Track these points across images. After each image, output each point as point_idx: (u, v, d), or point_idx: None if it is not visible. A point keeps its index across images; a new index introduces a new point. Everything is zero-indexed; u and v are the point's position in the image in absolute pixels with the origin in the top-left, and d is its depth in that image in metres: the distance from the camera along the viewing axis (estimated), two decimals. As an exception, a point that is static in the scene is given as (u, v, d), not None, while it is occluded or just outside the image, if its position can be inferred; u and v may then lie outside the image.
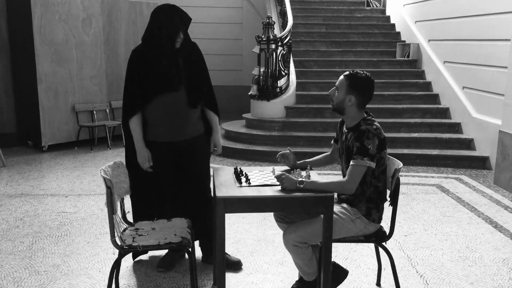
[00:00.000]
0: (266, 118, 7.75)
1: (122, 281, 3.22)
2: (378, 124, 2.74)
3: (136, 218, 3.35)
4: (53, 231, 4.20)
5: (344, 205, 2.80)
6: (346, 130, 2.85)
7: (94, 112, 7.97)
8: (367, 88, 2.77)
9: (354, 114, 2.78)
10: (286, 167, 3.01)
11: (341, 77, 2.80)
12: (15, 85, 7.81)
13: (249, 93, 7.96)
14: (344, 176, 2.75)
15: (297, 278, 3.13)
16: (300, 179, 2.57)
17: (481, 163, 6.51)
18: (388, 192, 2.87)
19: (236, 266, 3.43)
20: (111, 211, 2.57)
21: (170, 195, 3.32)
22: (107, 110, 8.19)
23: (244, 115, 8.21)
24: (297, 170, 2.76)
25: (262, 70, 7.69)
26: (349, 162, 2.66)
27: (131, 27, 8.53)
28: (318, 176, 2.78)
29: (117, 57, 8.36)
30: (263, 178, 2.75)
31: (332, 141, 3.11)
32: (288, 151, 3.02)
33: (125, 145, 3.39)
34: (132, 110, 3.19)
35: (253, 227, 4.28)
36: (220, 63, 10.77)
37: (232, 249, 3.77)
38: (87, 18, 7.76)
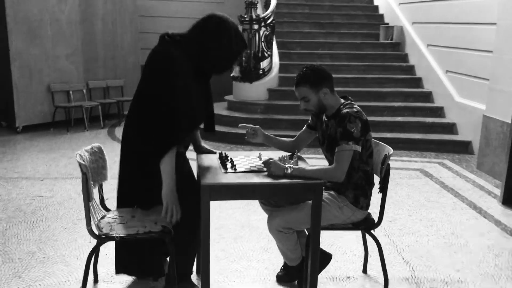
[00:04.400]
0: (248, 100, 7.62)
1: (100, 269, 3.09)
2: (358, 107, 2.65)
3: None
4: (28, 216, 4.03)
5: (331, 192, 2.71)
6: (326, 119, 2.74)
7: (70, 92, 7.72)
8: (323, 73, 2.66)
9: (332, 101, 2.68)
10: (273, 153, 2.90)
11: (299, 88, 2.65)
12: (-13, 63, 7.50)
13: (231, 75, 7.79)
14: (330, 164, 2.66)
15: (282, 265, 3.06)
16: (288, 165, 2.47)
17: (463, 147, 6.52)
18: (378, 179, 2.79)
19: None
20: (87, 198, 2.43)
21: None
22: (84, 91, 7.94)
23: (226, 97, 8.06)
24: (285, 156, 2.65)
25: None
26: (332, 150, 2.57)
27: (109, 4, 8.25)
28: (305, 163, 2.69)
29: (94, 35, 8.08)
30: (249, 164, 2.64)
31: (305, 126, 2.95)
32: (250, 126, 2.89)
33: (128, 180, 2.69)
34: (175, 141, 2.46)
35: (236, 212, 4.18)
36: (201, 43, 10.51)
37: (214, 235, 3.67)
38: (62, -6, 7.46)
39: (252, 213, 4.14)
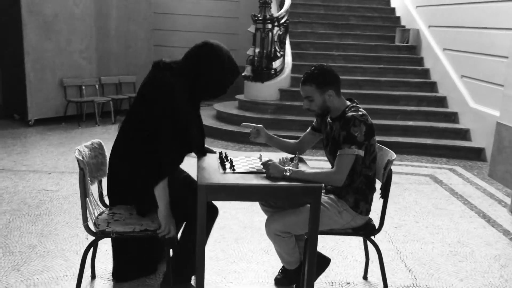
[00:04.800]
0: (259, 100, 7.58)
1: (99, 265, 3.08)
2: (364, 111, 2.59)
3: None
4: (32, 209, 4.05)
5: (331, 196, 2.66)
6: (330, 121, 2.70)
7: (83, 87, 7.75)
8: (331, 74, 2.62)
9: (337, 104, 2.64)
10: (274, 154, 2.86)
11: (305, 86, 2.61)
12: (2, 56, 7.57)
13: (242, 74, 7.76)
14: (332, 167, 2.61)
15: (280, 268, 3.02)
16: (287, 167, 2.43)
17: (476, 154, 6.39)
18: (379, 184, 2.73)
19: None
20: (84, 194, 2.41)
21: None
22: (97, 86, 7.98)
23: (237, 96, 8.03)
24: (285, 158, 2.61)
25: (257, 50, 7.49)
26: (335, 153, 2.52)
27: (123, 0, 8.27)
28: (306, 166, 2.64)
29: (108, 31, 8.11)
30: (248, 165, 2.60)
31: (309, 128, 2.92)
32: (253, 125, 2.88)
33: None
34: (173, 168, 2.56)
35: (239, 213, 4.14)
36: (215, 41, 10.51)
37: (216, 235, 3.64)
38: (77, -11, 7.51)
39: (255, 214, 4.10)
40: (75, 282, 2.82)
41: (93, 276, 2.98)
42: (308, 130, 2.92)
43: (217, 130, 7.06)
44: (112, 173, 2.65)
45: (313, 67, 2.63)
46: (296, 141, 2.95)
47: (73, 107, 7.70)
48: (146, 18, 8.79)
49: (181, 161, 2.65)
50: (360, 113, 2.55)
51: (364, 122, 2.51)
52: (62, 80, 7.48)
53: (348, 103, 2.67)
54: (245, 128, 2.91)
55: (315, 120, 2.88)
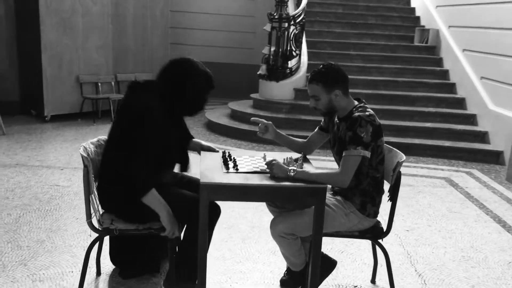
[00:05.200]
0: (274, 99, 7.53)
1: (105, 262, 3.07)
2: (371, 111, 2.53)
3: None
4: (42, 204, 4.08)
5: (338, 197, 2.61)
6: (337, 121, 2.64)
7: (99, 84, 7.81)
8: (339, 74, 2.57)
9: (344, 104, 2.58)
10: (279, 154, 2.82)
11: (311, 85, 2.57)
12: (20, 52, 7.68)
13: (257, 73, 7.72)
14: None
15: (285, 269, 2.97)
16: (291, 167, 2.38)
17: (494, 157, 6.24)
18: (388, 185, 2.66)
19: None
20: (88, 191, 2.40)
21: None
22: (113, 83, 8.03)
23: (252, 95, 8.00)
24: (289, 158, 2.56)
25: (272, 49, 7.44)
26: (342, 154, 2.46)
27: (141, -2, 8.32)
28: (311, 166, 2.59)
29: (125, 28, 8.15)
30: (252, 164, 2.56)
31: (317, 128, 2.88)
32: (262, 121, 2.86)
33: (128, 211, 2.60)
34: (152, 181, 2.48)
35: (248, 212, 4.11)
36: (231, 40, 10.50)
37: (224, 235, 3.61)
38: (94, -14, 7.57)
39: (264, 214, 4.04)
40: (80, 278, 2.83)
41: (99, 273, 2.98)
42: (316, 130, 2.88)
43: (231, 128, 7.04)
44: (101, 180, 2.63)
45: (321, 66, 2.59)
46: (304, 140, 2.91)
47: (89, 103, 7.76)
48: (163, 16, 8.81)
49: (162, 178, 2.62)
50: (367, 113, 2.49)
51: (371, 123, 2.45)
52: (79, 77, 7.54)
53: (356, 103, 2.62)
54: (254, 124, 2.89)
55: (323, 120, 2.83)
